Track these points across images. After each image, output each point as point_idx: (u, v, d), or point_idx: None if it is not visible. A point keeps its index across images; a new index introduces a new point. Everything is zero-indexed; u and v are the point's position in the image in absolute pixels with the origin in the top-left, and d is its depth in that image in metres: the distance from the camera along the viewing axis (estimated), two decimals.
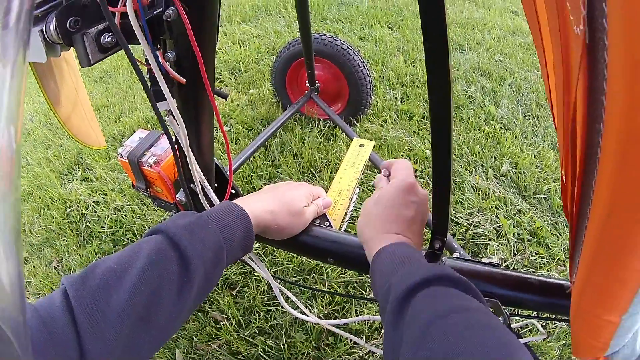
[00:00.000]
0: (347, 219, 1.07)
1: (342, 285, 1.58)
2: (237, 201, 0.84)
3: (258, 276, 1.61)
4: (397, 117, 2.37)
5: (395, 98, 2.51)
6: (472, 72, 2.78)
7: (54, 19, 0.63)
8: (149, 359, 0.66)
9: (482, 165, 2.07)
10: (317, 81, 2.12)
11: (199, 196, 0.97)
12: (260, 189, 1.12)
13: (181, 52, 0.73)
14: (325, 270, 1.62)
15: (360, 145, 1.24)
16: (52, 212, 1.96)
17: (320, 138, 2.22)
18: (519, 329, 1.30)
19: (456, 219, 1.80)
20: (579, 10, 0.41)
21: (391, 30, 3.30)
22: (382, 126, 2.30)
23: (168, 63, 0.73)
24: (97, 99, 2.69)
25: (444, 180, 0.78)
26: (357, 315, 1.48)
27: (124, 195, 1.99)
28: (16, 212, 0.27)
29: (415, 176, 1.97)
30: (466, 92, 2.58)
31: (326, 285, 1.59)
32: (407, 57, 2.90)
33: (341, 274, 1.61)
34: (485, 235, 1.74)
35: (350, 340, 1.41)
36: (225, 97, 0.94)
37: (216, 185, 1.08)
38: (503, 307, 0.82)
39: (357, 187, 1.14)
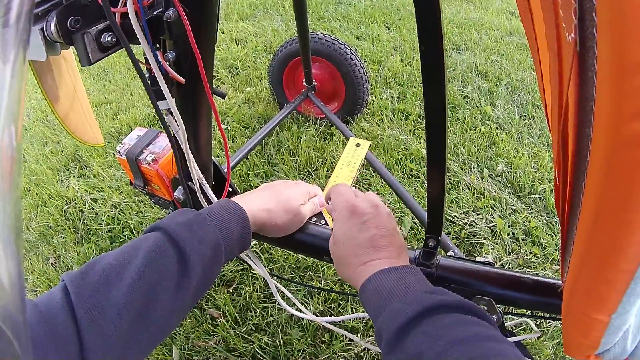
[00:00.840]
0: None
1: (337, 283, 1.59)
2: (234, 199, 0.85)
3: (254, 273, 1.62)
4: (394, 116, 2.38)
5: (392, 97, 2.51)
6: (469, 72, 2.78)
7: (55, 17, 0.63)
8: (148, 354, 0.67)
9: (478, 165, 2.08)
10: (313, 80, 2.12)
11: (196, 194, 0.98)
12: (257, 186, 1.13)
13: (180, 52, 0.74)
14: (321, 267, 1.63)
15: (356, 145, 1.25)
16: (49, 209, 1.96)
17: (317, 137, 2.23)
18: (513, 327, 1.30)
19: (451, 218, 1.81)
20: (570, 18, 0.42)
21: (388, 29, 3.31)
22: (379, 125, 2.31)
23: (168, 63, 0.73)
24: (95, 96, 2.69)
25: (439, 179, 0.79)
26: (353, 313, 1.49)
27: (122, 192, 1.99)
28: (17, 211, 0.27)
29: (411, 175, 1.98)
30: (462, 92, 2.59)
31: (322, 282, 1.60)
32: (404, 57, 2.91)
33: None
34: (480, 234, 1.75)
35: (346, 337, 1.41)
36: (223, 96, 0.95)
37: (214, 183, 1.09)
38: (497, 305, 0.83)
39: (353, 186, 1.15)
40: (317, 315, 1.14)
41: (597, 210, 0.44)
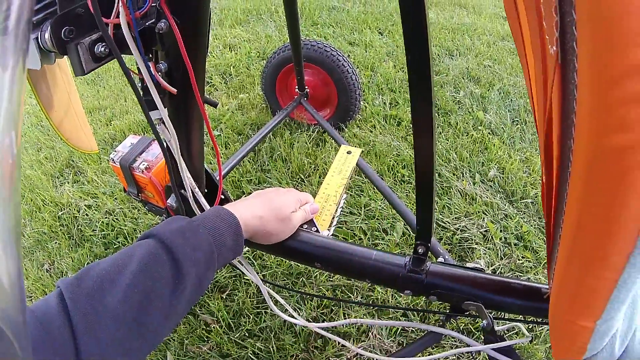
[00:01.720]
0: (334, 224, 1.08)
1: (330, 289, 1.60)
2: (226, 207, 0.85)
3: (247, 279, 1.62)
4: (386, 122, 2.39)
5: (384, 103, 2.52)
6: (461, 78, 2.80)
7: (49, 27, 0.64)
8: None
9: (470, 171, 2.09)
10: (306, 87, 2.13)
11: (189, 201, 0.98)
12: (249, 193, 1.13)
13: (172, 63, 0.74)
14: (314, 274, 1.63)
15: (347, 152, 1.26)
16: (44, 214, 1.96)
17: (309, 143, 2.23)
18: (505, 331, 1.31)
19: (443, 224, 1.82)
20: (552, 31, 0.43)
21: (381, 35, 3.32)
22: (371, 131, 2.32)
23: (159, 73, 0.74)
24: (89, 101, 2.69)
25: (427, 186, 0.80)
26: (345, 318, 1.50)
27: (116, 198, 2.00)
28: (17, 215, 0.28)
29: (403, 181, 1.99)
30: (455, 98, 2.60)
31: (315, 288, 1.60)
32: (396, 63, 2.92)
33: (329, 277, 1.63)
34: (472, 239, 1.75)
35: (338, 343, 1.42)
36: (215, 105, 0.95)
37: (206, 190, 1.10)
38: (487, 310, 0.84)
39: (344, 193, 1.15)
40: (309, 321, 1.14)
41: (578, 219, 0.45)
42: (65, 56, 0.68)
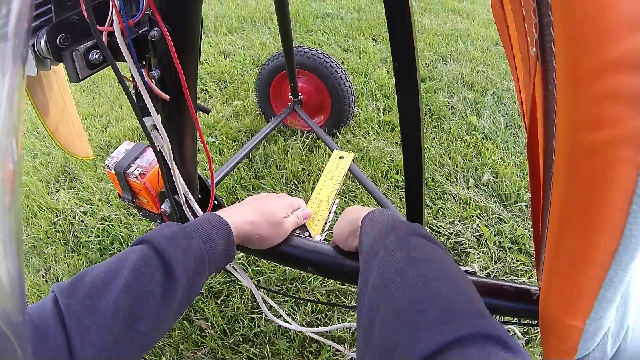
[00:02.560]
0: (326, 229, 1.09)
1: (324, 294, 1.60)
2: (219, 212, 0.86)
3: (242, 285, 1.62)
4: (379, 128, 2.40)
5: (378, 109, 2.53)
6: (455, 83, 2.81)
7: (45, 34, 0.65)
8: None
9: (464, 175, 2.10)
10: (300, 93, 2.14)
11: (182, 207, 0.99)
12: (243, 199, 1.14)
13: (165, 70, 0.75)
14: (308, 279, 1.64)
15: (340, 157, 1.27)
16: (39, 220, 1.96)
17: (303, 149, 2.24)
18: None
19: (437, 228, 1.83)
20: (532, 32, 0.44)
21: (375, 42, 3.33)
22: (364, 137, 2.32)
23: (152, 80, 0.75)
24: (84, 108, 2.69)
25: (416, 193, 0.81)
26: (340, 323, 1.50)
27: (111, 205, 2.00)
28: (17, 222, 0.28)
29: (396, 187, 2.00)
30: (448, 103, 2.61)
31: (309, 293, 1.61)
32: (390, 69, 2.92)
33: (324, 282, 1.63)
34: (466, 243, 1.76)
35: (333, 348, 1.42)
36: (207, 112, 0.96)
37: (200, 196, 1.11)
38: None
39: (337, 198, 1.16)
40: (303, 326, 1.15)
41: (561, 218, 0.45)
42: (60, 63, 0.69)
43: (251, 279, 1.51)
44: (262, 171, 2.12)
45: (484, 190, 2.02)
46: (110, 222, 1.91)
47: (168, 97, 0.77)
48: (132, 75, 0.73)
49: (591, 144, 0.38)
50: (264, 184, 2.05)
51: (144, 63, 0.75)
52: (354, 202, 1.92)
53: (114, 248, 1.80)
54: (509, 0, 0.62)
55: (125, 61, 0.70)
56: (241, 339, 1.48)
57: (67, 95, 1.08)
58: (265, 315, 1.27)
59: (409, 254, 0.64)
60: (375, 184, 1.96)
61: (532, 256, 1.72)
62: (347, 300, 1.58)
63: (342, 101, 2.15)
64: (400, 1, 0.62)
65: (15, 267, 0.28)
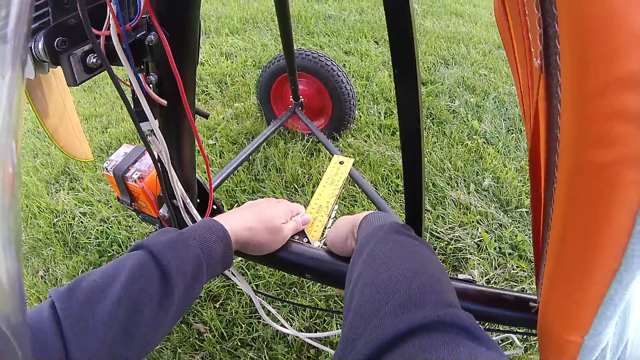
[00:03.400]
0: (325, 235, 1.08)
1: (323, 299, 1.60)
2: (217, 218, 0.86)
3: (240, 289, 1.62)
4: (380, 132, 2.39)
5: (379, 113, 2.52)
6: (457, 87, 2.80)
7: (42, 37, 0.65)
8: None
9: (464, 180, 2.09)
10: (300, 96, 2.13)
11: (181, 211, 0.98)
12: (243, 203, 1.14)
13: (162, 75, 0.74)
14: (307, 284, 1.63)
15: (340, 163, 1.26)
16: (39, 221, 1.95)
17: (304, 153, 2.24)
18: (499, 342, 1.31)
19: (437, 234, 1.82)
20: (537, 44, 0.43)
21: (377, 44, 3.32)
22: (365, 141, 2.32)
23: (150, 85, 0.74)
24: (85, 108, 2.68)
25: (416, 199, 0.80)
26: (338, 329, 1.49)
27: (110, 206, 2.00)
28: (17, 223, 0.28)
29: (397, 191, 1.99)
30: (450, 107, 2.60)
31: (307, 299, 1.60)
32: (391, 72, 2.90)
33: (322, 288, 1.63)
34: (466, 249, 1.75)
35: (331, 353, 1.42)
36: (206, 116, 0.96)
37: (198, 200, 1.10)
38: (478, 321, 0.84)
39: (336, 204, 1.15)
40: (302, 331, 1.14)
41: (563, 234, 0.44)
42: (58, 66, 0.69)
43: (250, 282, 1.50)
44: (262, 174, 2.12)
45: (485, 196, 2.01)
46: (109, 224, 1.91)
47: (165, 102, 0.77)
48: (129, 80, 0.72)
49: (596, 163, 0.37)
50: (264, 188, 2.05)
51: (141, 67, 0.75)
52: (354, 206, 1.92)
53: (113, 250, 1.80)
54: (510, 9, 0.61)
55: (123, 66, 0.69)
56: (239, 343, 1.47)
57: (66, 97, 1.08)
58: (263, 320, 1.26)
59: (389, 250, 0.68)
60: (376, 188, 1.95)
61: (532, 262, 1.71)
62: None
63: (343, 104, 2.15)
64: (401, 7, 0.61)
65: (15, 267, 0.28)
